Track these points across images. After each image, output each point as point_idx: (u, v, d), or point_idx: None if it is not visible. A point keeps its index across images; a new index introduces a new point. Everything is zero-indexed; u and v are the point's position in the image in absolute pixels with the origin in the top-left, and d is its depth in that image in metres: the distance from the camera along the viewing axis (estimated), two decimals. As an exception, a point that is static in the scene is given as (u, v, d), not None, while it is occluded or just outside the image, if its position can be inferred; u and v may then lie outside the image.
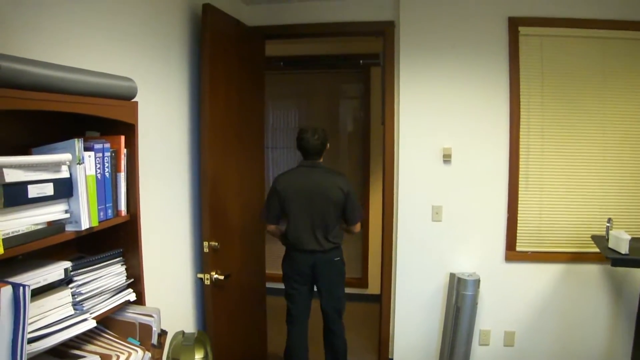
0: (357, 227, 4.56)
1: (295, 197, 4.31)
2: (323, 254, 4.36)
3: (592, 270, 4.55)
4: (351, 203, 4.36)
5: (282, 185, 4.33)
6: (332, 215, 4.32)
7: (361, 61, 5.24)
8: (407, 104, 4.61)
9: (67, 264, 2.02)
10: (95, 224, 2.13)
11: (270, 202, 4.38)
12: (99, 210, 2.18)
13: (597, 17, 4.34)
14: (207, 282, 3.72)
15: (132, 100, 2.44)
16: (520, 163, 4.50)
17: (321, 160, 4.43)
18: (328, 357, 4.65)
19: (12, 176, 1.74)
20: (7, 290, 1.59)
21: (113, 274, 2.35)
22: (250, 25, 4.55)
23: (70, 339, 2.02)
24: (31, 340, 1.77)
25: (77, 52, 2.46)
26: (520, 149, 4.49)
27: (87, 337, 2.30)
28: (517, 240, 4.59)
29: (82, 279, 2.13)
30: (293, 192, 4.31)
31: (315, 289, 4.53)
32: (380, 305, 5.04)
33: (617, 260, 3.76)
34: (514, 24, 4.40)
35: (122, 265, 2.42)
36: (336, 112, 6.92)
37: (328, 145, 4.43)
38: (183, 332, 3.02)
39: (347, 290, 4.85)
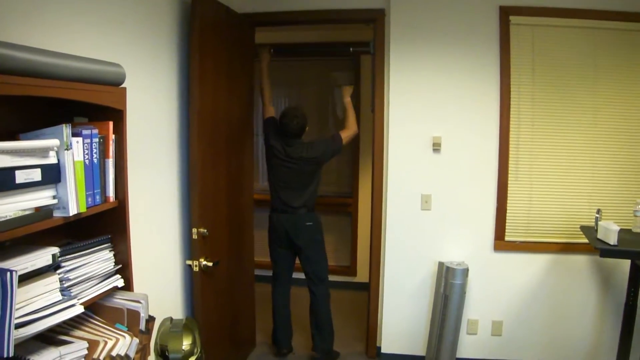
0: (348, 134, 4.97)
1: (277, 163, 4.83)
2: (297, 218, 4.82)
3: (581, 260, 4.57)
4: (326, 153, 4.86)
5: (271, 139, 4.88)
6: (307, 182, 4.82)
7: (351, 49, 5.23)
8: (397, 93, 4.61)
9: (55, 250, 2.02)
10: (83, 209, 2.12)
11: (266, 128, 4.98)
12: (87, 196, 2.18)
13: (589, 7, 4.34)
14: (196, 269, 3.72)
15: (121, 86, 2.43)
16: (510, 153, 4.51)
17: (301, 138, 4.86)
18: (313, 329, 5.03)
19: (0, 161, 1.73)
20: (-6, 275, 1.59)
21: (101, 260, 2.35)
22: (240, 12, 4.52)
23: (58, 325, 2.03)
24: (18, 326, 1.77)
25: (65, 38, 2.44)
26: (510, 139, 4.50)
27: (74, 323, 2.31)
28: (506, 230, 4.60)
29: (70, 264, 2.13)
30: (276, 157, 4.83)
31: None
32: (368, 294, 5.04)
33: (606, 251, 3.77)
34: (505, 13, 4.40)
35: (110, 251, 2.42)
36: (326, 99, 6.91)
37: (307, 128, 4.88)
38: (171, 319, 3.03)
39: (336, 278, 4.89)
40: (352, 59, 6.48)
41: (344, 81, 5.02)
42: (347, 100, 5.06)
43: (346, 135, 4.91)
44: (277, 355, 5.12)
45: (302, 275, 5.02)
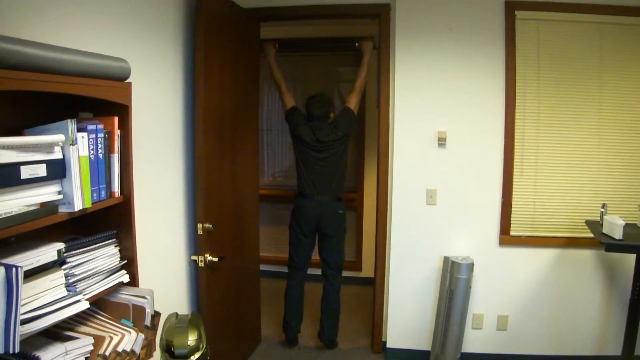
0: (352, 98, 5.07)
1: (309, 151, 4.93)
2: (330, 205, 4.95)
3: (586, 255, 4.56)
4: (350, 126, 4.99)
5: (298, 134, 4.95)
6: (338, 165, 4.96)
7: (356, 44, 5.22)
8: (402, 87, 4.60)
9: (61, 246, 2.02)
10: (88, 205, 2.13)
11: (291, 119, 5.06)
12: (92, 192, 2.18)
13: (594, 2, 4.31)
14: (201, 264, 3.72)
15: (126, 81, 2.43)
16: (516, 147, 4.50)
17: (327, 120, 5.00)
18: (323, 317, 5.15)
19: (5, 157, 1.73)
20: (0, 271, 1.59)
21: (106, 255, 2.35)
22: (246, 7, 4.51)
23: (64, 321, 2.03)
24: (24, 322, 1.77)
25: (71, 33, 2.44)
26: (516, 134, 4.48)
27: (80, 319, 2.31)
28: (512, 225, 4.59)
29: (76, 260, 2.13)
30: (307, 144, 4.92)
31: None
32: (374, 289, 5.04)
33: (611, 245, 3.77)
34: (511, 8, 4.38)
35: (115, 246, 2.42)
36: (331, 95, 6.90)
37: (332, 114, 5.03)
38: (177, 314, 3.02)
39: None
40: (357, 54, 6.48)
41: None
42: (366, 59, 5.08)
43: (353, 103, 5.01)
44: (285, 343, 5.22)
45: (314, 272, 5.03)
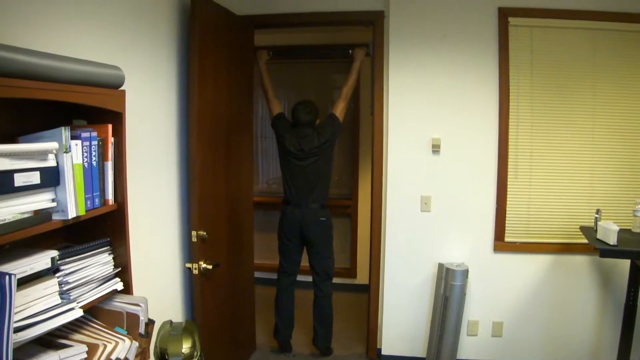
0: (338, 104, 5.01)
1: (293, 160, 4.92)
2: (312, 212, 4.91)
3: (581, 261, 4.57)
4: (334, 133, 4.93)
5: (284, 137, 4.95)
6: (321, 173, 4.93)
7: (350, 51, 5.24)
8: (396, 94, 4.61)
9: (54, 253, 2.01)
10: (82, 212, 2.12)
11: (277, 127, 5.06)
12: (86, 199, 2.17)
13: (587, 8, 4.34)
14: (196, 272, 3.71)
15: (120, 88, 2.43)
16: (509, 154, 4.51)
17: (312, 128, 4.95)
18: (316, 323, 5.15)
19: (-2, 164, 1.73)
20: (-7, 279, 1.58)
21: (100, 263, 2.34)
22: (240, 14, 4.52)
23: (57, 329, 2.02)
24: (17, 330, 1.76)
25: (64, 40, 2.43)
26: (510, 140, 4.50)
27: (74, 327, 2.30)
28: (506, 231, 4.60)
29: (69, 268, 2.12)
30: (291, 154, 4.92)
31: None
32: (368, 296, 5.04)
33: (606, 251, 3.77)
34: (504, 15, 4.40)
35: (109, 254, 2.42)
36: (325, 102, 6.91)
37: (318, 120, 5.01)
38: (171, 322, 3.02)
39: (336, 280, 4.90)
40: (351, 61, 6.49)
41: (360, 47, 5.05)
42: (356, 65, 5.06)
43: (338, 110, 4.97)
44: (278, 350, 5.22)
45: (308, 279, 5.03)
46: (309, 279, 5.07)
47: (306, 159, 4.87)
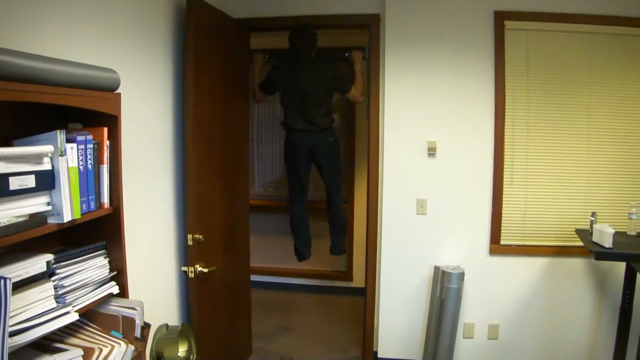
0: (354, 94, 5.21)
1: (289, 94, 5.18)
2: (320, 135, 5.23)
3: (576, 264, 4.57)
4: (339, 85, 5.18)
5: (278, 81, 5.21)
6: (321, 104, 5.16)
7: (346, 54, 5.24)
8: (392, 97, 4.61)
9: (50, 257, 2.01)
10: (77, 216, 2.12)
11: (266, 84, 5.27)
12: (81, 203, 2.17)
13: (583, 12, 4.35)
14: (192, 275, 3.70)
15: (115, 92, 2.43)
16: (505, 157, 4.51)
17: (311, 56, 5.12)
18: (332, 233, 5.72)
19: (-6, 168, 1.73)
20: (-12, 283, 1.58)
21: (96, 266, 2.34)
22: (236, 17, 4.52)
23: (53, 332, 2.02)
24: (12, 334, 1.76)
25: (59, 43, 2.43)
26: (505, 143, 4.50)
27: (69, 331, 2.30)
28: (502, 234, 4.60)
29: (65, 271, 2.12)
30: (287, 90, 5.18)
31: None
32: (364, 299, 5.03)
33: (601, 254, 3.78)
34: (500, 18, 4.40)
35: (105, 257, 2.42)
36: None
37: (317, 46, 5.14)
38: (167, 325, 3.02)
39: (332, 283, 4.91)
40: (348, 64, 6.50)
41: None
42: (358, 67, 5.22)
43: (353, 94, 5.19)
44: (300, 260, 5.75)
45: (304, 282, 5.04)
46: (307, 281, 5.06)
47: (310, 85, 5.09)
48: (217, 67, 4.10)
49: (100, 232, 2.43)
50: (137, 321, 2.45)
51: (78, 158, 2.15)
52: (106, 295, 2.39)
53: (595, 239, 3.92)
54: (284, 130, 5.43)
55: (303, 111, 5.13)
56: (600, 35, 4.39)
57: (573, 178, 4.51)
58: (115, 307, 2.48)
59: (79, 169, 2.15)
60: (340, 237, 5.73)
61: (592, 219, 4.09)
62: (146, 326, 2.55)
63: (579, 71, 4.43)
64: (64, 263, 2.13)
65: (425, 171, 4.61)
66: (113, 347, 2.29)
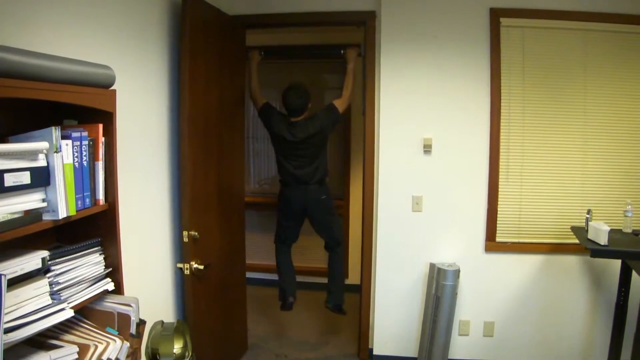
0: (345, 94, 5.06)
1: (282, 144, 4.99)
2: (312, 193, 5.02)
3: (572, 261, 4.58)
4: (329, 123, 4.98)
5: (272, 122, 5.00)
6: (316, 161, 4.98)
7: (342, 51, 5.23)
8: (388, 95, 4.61)
9: (45, 253, 2.01)
10: (72, 213, 2.12)
11: (264, 116, 5.10)
12: (76, 199, 2.17)
13: (578, 9, 4.35)
14: (187, 272, 3.70)
15: (111, 88, 2.42)
16: (501, 154, 4.52)
17: (304, 114, 4.98)
18: (329, 281, 5.32)
19: (-12, 164, 1.72)
20: (-17, 279, 1.58)
21: (91, 263, 2.34)
22: (231, 14, 4.51)
23: (48, 329, 2.01)
24: (7, 330, 1.76)
25: (54, 39, 2.43)
26: (501, 140, 4.50)
27: (65, 327, 2.29)
28: (497, 231, 4.61)
29: (60, 268, 2.12)
30: (280, 140, 4.98)
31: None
32: (360, 296, 5.04)
33: (597, 251, 3.78)
34: (496, 15, 4.40)
35: (100, 254, 2.41)
36: (317, 102, 6.90)
37: (310, 104, 5.03)
38: (162, 322, 3.01)
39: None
40: (343, 61, 6.50)
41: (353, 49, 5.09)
42: (351, 66, 5.08)
43: (340, 104, 5.00)
44: (283, 308, 5.32)
45: (300, 279, 5.03)
46: (303, 278, 5.06)
47: (302, 148, 4.92)
48: (213, 64, 4.09)
49: (95, 228, 2.43)
50: (133, 318, 2.45)
51: (73, 154, 2.14)
52: (101, 292, 2.39)
53: (590, 236, 3.93)
54: (278, 182, 5.26)
55: (295, 167, 4.98)
56: (596, 32, 4.40)
57: (569, 175, 4.51)
58: (111, 304, 2.48)
59: (74, 165, 2.15)
60: (338, 287, 5.31)
61: (588, 216, 4.09)
62: (141, 323, 2.55)
63: (574, 68, 4.44)
64: (59, 260, 2.13)
65: (421, 168, 4.62)
66: (108, 343, 2.29)
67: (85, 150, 2.22)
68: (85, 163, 2.23)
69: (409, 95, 4.57)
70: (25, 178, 1.87)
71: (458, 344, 4.74)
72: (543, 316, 4.66)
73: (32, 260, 1.95)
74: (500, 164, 4.52)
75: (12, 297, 1.83)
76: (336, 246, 5.24)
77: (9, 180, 1.80)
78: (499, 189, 4.55)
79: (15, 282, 1.88)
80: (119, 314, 2.46)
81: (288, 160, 4.99)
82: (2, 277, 1.62)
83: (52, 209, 2.02)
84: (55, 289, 2.07)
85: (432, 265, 4.57)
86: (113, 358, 2.28)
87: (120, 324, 2.45)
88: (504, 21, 4.41)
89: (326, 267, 5.22)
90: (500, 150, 4.51)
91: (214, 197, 4.21)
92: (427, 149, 4.57)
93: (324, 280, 5.15)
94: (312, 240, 5.80)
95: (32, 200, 1.95)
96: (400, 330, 4.83)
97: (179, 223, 3.83)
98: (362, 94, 4.96)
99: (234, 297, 4.76)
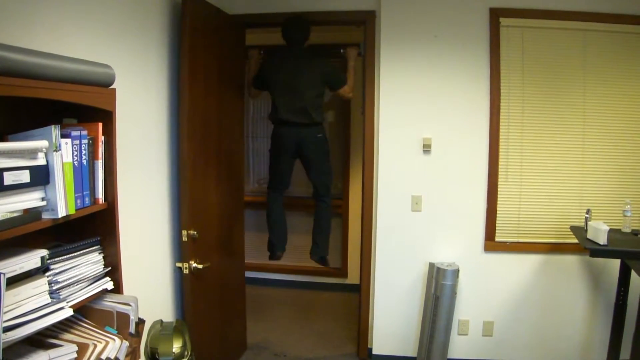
0: (345, 89, 4.95)
1: (279, 84, 4.83)
2: (308, 131, 4.86)
3: (571, 261, 4.58)
4: (332, 78, 4.89)
5: (267, 73, 4.90)
6: (312, 94, 4.80)
7: (342, 50, 5.23)
8: (387, 94, 4.61)
9: (44, 252, 2.01)
10: (72, 211, 2.12)
11: (257, 79, 5.02)
12: (76, 198, 2.17)
13: (578, 9, 4.36)
14: (186, 271, 3.70)
15: (110, 87, 2.42)
16: (500, 154, 4.52)
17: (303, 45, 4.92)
18: (314, 233, 5.19)
19: (-12, 163, 1.72)
20: (-18, 278, 1.58)
21: (90, 262, 2.33)
22: (231, 13, 4.51)
23: (47, 328, 2.01)
24: (6, 329, 1.75)
25: (54, 38, 2.42)
26: (500, 140, 4.51)
27: (64, 326, 2.29)
28: (497, 231, 4.61)
29: (59, 267, 2.12)
30: (277, 80, 4.83)
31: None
32: (359, 295, 5.03)
33: (596, 251, 3.78)
34: (495, 15, 4.41)
35: (99, 253, 2.41)
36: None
37: (309, 36, 4.91)
38: (161, 321, 3.01)
39: (327, 280, 4.89)
40: (343, 60, 6.50)
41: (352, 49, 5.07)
42: (351, 64, 5.08)
43: (344, 89, 4.95)
44: (271, 259, 5.24)
45: (299, 279, 5.02)
46: (302, 278, 5.06)
47: (300, 74, 4.81)
48: (213, 63, 4.09)
49: (94, 227, 2.43)
50: (132, 317, 2.45)
51: (73, 153, 2.14)
52: (100, 291, 2.38)
53: (589, 236, 3.93)
54: (271, 124, 5.08)
55: (292, 102, 4.79)
56: (595, 32, 4.40)
57: (568, 175, 4.52)
58: (110, 303, 2.48)
59: (73, 164, 2.14)
60: (324, 238, 5.22)
61: (587, 216, 4.10)
62: (140, 322, 2.55)
63: (573, 68, 4.44)
64: (59, 259, 2.12)
65: (420, 168, 4.62)
66: (107, 342, 2.28)
67: (84, 149, 2.22)
68: (84, 162, 2.23)
69: (409, 95, 4.57)
70: (24, 177, 1.87)
71: (457, 344, 4.74)
72: (542, 316, 4.66)
73: (32, 259, 1.95)
74: (500, 163, 4.52)
75: (11, 296, 1.82)
76: (325, 194, 5.11)
77: (9, 178, 1.80)
78: (498, 189, 4.55)
79: (15, 280, 1.88)
80: (118, 313, 2.45)
81: (283, 95, 4.83)
82: (2, 275, 1.62)
83: (52, 207, 2.02)
84: (54, 287, 2.07)
85: (431, 265, 4.57)
86: (112, 357, 2.28)
87: (120, 323, 2.45)
88: (503, 21, 4.41)
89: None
90: (500, 150, 4.51)
91: (214, 196, 4.21)
92: (426, 148, 4.57)
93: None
94: (310, 240, 5.80)
95: (31, 199, 1.94)
96: (399, 330, 4.83)
97: (178, 222, 3.83)
98: (361, 94, 4.96)
99: (233, 296, 4.76)
